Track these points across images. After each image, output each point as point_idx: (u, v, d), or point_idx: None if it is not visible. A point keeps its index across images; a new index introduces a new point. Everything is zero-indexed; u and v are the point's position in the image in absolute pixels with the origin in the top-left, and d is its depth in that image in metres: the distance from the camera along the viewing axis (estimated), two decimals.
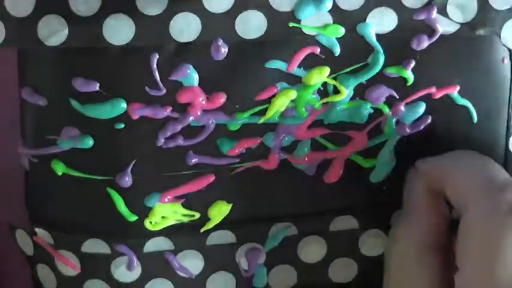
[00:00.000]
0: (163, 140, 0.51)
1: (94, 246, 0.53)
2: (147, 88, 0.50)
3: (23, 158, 0.53)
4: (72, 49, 0.49)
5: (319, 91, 0.51)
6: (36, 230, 0.54)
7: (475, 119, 0.53)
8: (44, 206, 0.53)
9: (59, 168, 0.52)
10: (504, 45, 0.52)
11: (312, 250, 0.55)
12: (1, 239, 0.57)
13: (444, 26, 0.51)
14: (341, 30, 0.50)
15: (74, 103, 0.50)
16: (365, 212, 0.55)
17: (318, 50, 0.51)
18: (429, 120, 0.53)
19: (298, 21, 0.50)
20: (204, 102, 0.50)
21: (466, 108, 0.53)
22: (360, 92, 0.52)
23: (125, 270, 0.54)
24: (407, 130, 0.53)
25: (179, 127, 0.51)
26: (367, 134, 0.53)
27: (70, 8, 0.48)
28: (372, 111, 0.52)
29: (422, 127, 0.53)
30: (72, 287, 0.55)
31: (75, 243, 0.53)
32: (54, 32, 0.48)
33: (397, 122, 0.53)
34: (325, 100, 0.51)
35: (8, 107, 0.53)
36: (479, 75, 0.52)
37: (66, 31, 0.48)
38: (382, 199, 0.55)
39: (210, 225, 0.54)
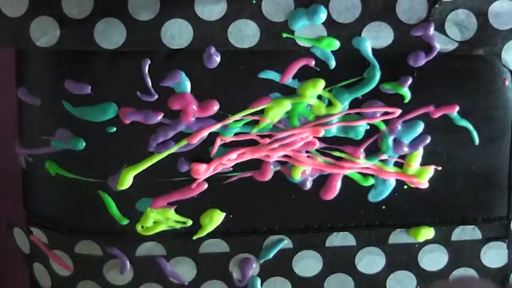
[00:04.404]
0: (154, 146, 0.51)
1: (87, 247, 0.54)
2: (138, 93, 0.50)
3: (20, 157, 0.54)
4: (65, 51, 0.49)
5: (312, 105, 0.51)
6: (32, 229, 0.54)
7: (477, 141, 0.51)
8: (39, 205, 0.54)
9: (53, 169, 0.52)
10: (505, 66, 0.50)
11: (308, 264, 0.55)
12: (1, 238, 0.58)
13: (442, 44, 0.49)
14: (336, 44, 0.49)
15: (67, 105, 0.50)
16: (363, 230, 0.54)
17: (312, 63, 0.50)
18: (428, 140, 0.51)
19: (292, 32, 0.49)
20: (196, 109, 0.50)
21: (466, 129, 0.51)
22: (356, 107, 0.51)
23: (117, 273, 0.54)
24: (405, 149, 0.51)
25: (171, 133, 0.51)
26: (364, 151, 0.52)
27: (63, 10, 0.48)
28: (368, 127, 0.51)
29: (420, 147, 0.51)
30: (66, 287, 0.55)
31: (68, 244, 0.54)
32: (46, 33, 0.49)
33: (395, 140, 0.51)
34: (319, 113, 0.51)
35: (7, 106, 0.54)
36: (480, 96, 0.51)
37: (58, 33, 0.49)
38: (381, 219, 0.53)
39: (202, 233, 0.53)
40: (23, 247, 0.56)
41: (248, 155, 0.51)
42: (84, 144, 0.51)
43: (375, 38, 0.49)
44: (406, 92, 0.50)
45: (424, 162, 0.52)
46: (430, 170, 0.52)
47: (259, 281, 0.55)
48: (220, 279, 0.55)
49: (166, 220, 0.53)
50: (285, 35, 0.49)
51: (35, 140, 0.52)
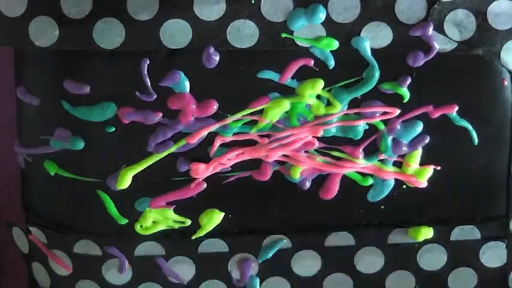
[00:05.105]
0: (153, 145, 0.51)
1: (85, 247, 0.54)
2: (137, 93, 0.50)
3: (19, 156, 0.54)
4: (64, 51, 0.49)
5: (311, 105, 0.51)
6: (31, 228, 0.54)
7: (476, 141, 0.51)
8: (38, 205, 0.54)
9: (52, 169, 0.52)
10: (504, 66, 0.50)
11: (306, 264, 0.55)
12: (0, 238, 0.58)
13: (441, 44, 0.49)
14: (335, 44, 0.49)
15: (66, 105, 0.50)
16: (362, 229, 0.54)
17: (311, 62, 0.50)
18: (427, 140, 0.51)
19: (291, 32, 0.49)
20: (195, 109, 0.50)
21: (465, 129, 0.51)
22: (355, 107, 0.51)
23: (116, 273, 0.54)
24: (404, 149, 0.52)
25: (170, 133, 0.51)
26: (363, 151, 0.52)
27: (62, 9, 0.48)
28: (367, 127, 0.51)
29: (419, 147, 0.51)
30: (65, 287, 0.55)
31: (67, 244, 0.54)
32: (45, 33, 0.49)
33: (394, 140, 0.51)
34: (318, 113, 0.51)
35: (6, 106, 0.54)
36: (479, 96, 0.51)
37: (57, 33, 0.48)
38: (380, 219, 0.53)
39: (201, 233, 0.53)
40: (21, 247, 0.56)
41: (247, 154, 0.51)
42: (83, 144, 0.51)
43: (374, 38, 0.49)
44: (405, 92, 0.50)
45: (423, 162, 0.52)
46: (429, 170, 0.52)
47: (258, 281, 0.55)
48: (219, 278, 0.55)
49: (165, 220, 0.53)
50: (284, 35, 0.49)
51: (34, 140, 0.52)
